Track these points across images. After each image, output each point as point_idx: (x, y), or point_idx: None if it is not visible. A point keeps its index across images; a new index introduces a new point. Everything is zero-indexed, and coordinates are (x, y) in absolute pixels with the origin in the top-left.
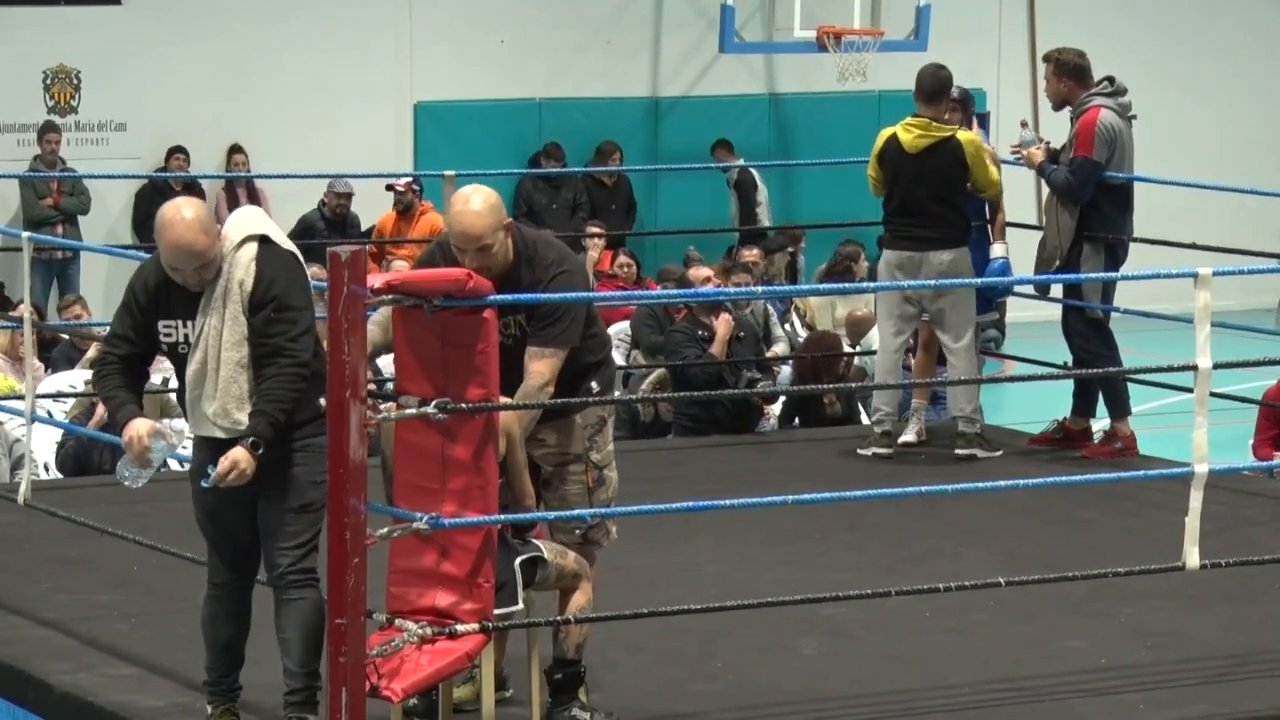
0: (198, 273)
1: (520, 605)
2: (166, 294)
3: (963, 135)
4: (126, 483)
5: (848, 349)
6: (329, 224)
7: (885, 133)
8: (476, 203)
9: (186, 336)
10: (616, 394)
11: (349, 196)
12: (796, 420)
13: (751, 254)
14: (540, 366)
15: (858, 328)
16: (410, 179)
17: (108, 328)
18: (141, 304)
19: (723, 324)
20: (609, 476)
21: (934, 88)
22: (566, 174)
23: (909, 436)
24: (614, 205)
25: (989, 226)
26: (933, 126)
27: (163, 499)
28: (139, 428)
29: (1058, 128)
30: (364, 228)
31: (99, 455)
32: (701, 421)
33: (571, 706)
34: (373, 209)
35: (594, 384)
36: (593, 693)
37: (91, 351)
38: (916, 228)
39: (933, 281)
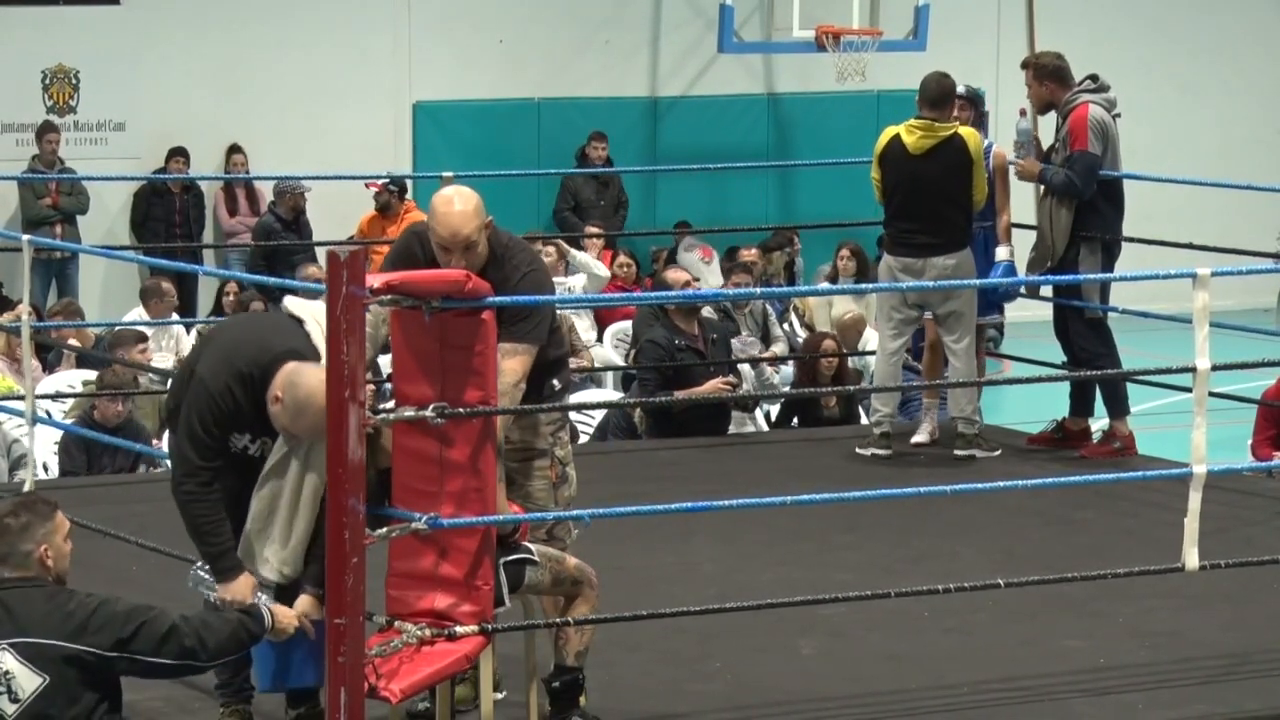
0: None
1: (507, 605)
2: (246, 412)
3: (965, 131)
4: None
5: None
6: (285, 225)
7: (887, 133)
8: (462, 203)
9: (245, 448)
10: (618, 396)
11: (302, 195)
12: (795, 421)
13: (750, 253)
14: (513, 364)
15: (850, 331)
16: (386, 180)
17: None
18: (228, 425)
19: (709, 387)
20: (570, 474)
21: (939, 95)
22: (555, 175)
23: (922, 436)
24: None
25: (994, 228)
26: (936, 127)
27: (161, 499)
28: (242, 592)
29: (1053, 124)
30: (353, 229)
31: (99, 458)
32: (669, 423)
33: (571, 715)
34: (369, 209)
35: (555, 381)
36: (591, 694)
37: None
38: (918, 233)
39: (931, 283)
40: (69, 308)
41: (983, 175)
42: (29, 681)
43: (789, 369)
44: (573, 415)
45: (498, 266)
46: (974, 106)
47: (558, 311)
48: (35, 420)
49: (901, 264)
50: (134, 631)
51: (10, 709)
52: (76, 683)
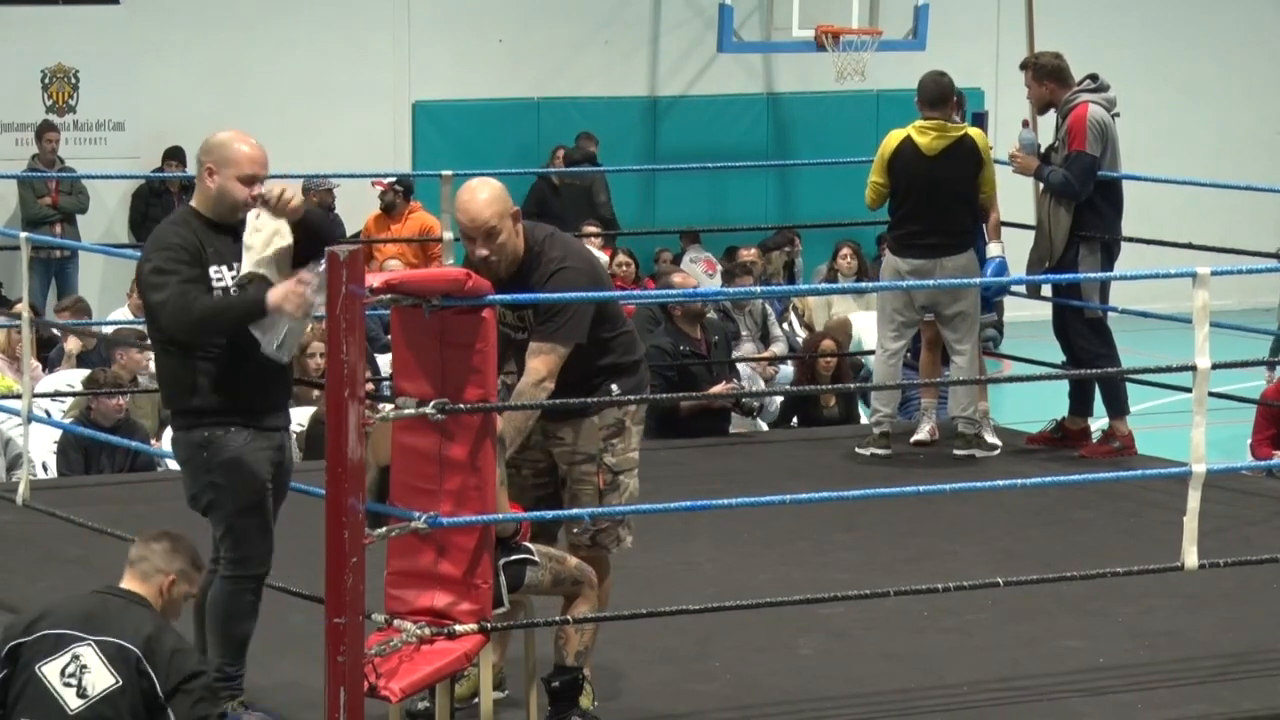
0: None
1: (505, 606)
2: (211, 246)
3: (974, 132)
4: (277, 351)
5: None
6: None
7: (896, 136)
8: (483, 192)
9: (227, 284)
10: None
11: (331, 193)
12: (794, 420)
13: (750, 253)
14: (537, 364)
15: (839, 332)
16: (393, 179)
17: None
18: (200, 257)
19: (718, 390)
20: (625, 483)
21: (938, 94)
22: (555, 174)
23: (922, 435)
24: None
25: (983, 226)
26: (948, 127)
27: (161, 499)
28: (288, 284)
29: (1053, 125)
30: (355, 229)
31: (97, 459)
32: (668, 425)
33: (571, 715)
34: (369, 210)
35: (614, 386)
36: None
37: (71, 345)
38: (929, 235)
39: (931, 282)
40: (76, 305)
41: (992, 175)
42: (102, 680)
43: (788, 369)
44: None
45: (534, 265)
46: (959, 108)
47: (623, 312)
48: (31, 419)
49: (911, 266)
50: (180, 687)
51: (75, 704)
52: (140, 697)
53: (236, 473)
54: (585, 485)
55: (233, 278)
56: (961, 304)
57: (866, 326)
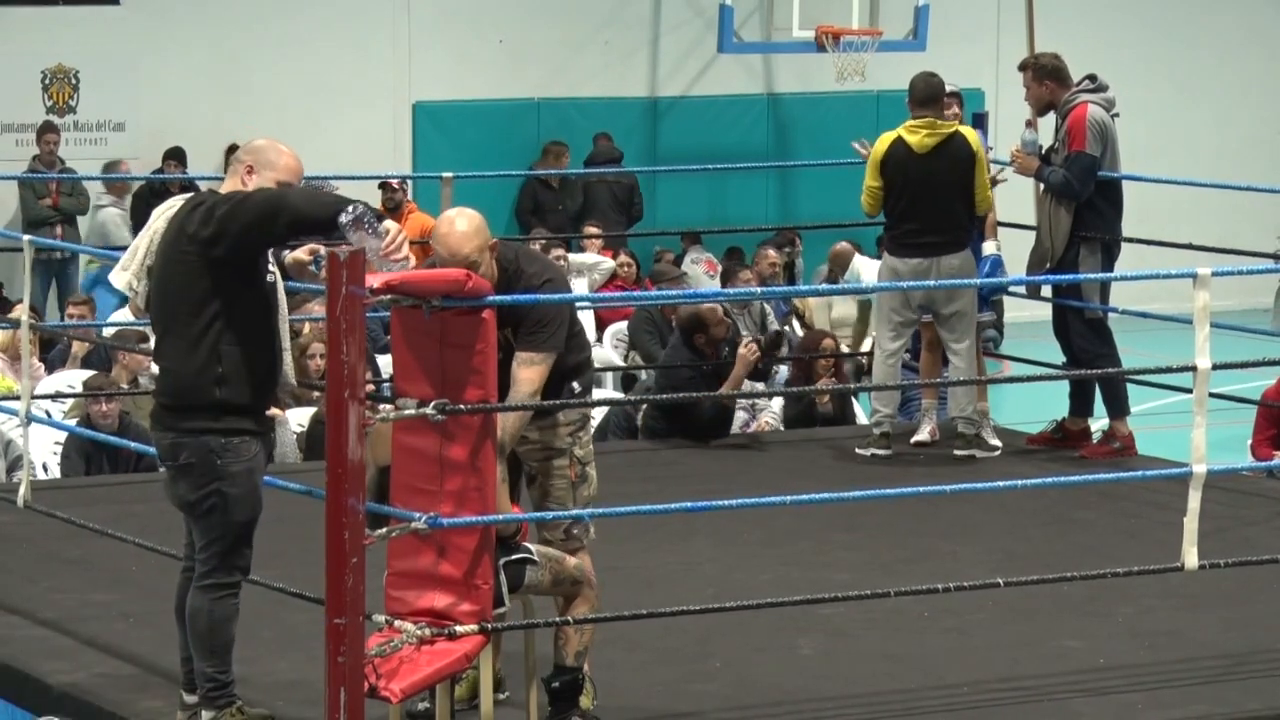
0: None
1: (506, 606)
2: None
3: (965, 129)
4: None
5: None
6: None
7: (886, 138)
8: (462, 224)
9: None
10: (617, 395)
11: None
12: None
13: (770, 254)
14: (530, 374)
15: (839, 260)
16: (400, 180)
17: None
18: None
19: (741, 363)
20: (590, 474)
21: (928, 94)
22: (561, 174)
23: (923, 436)
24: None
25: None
26: (938, 125)
27: (160, 499)
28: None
29: (1052, 126)
30: None
31: (99, 460)
32: (675, 424)
33: (570, 715)
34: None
35: (575, 384)
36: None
37: (77, 346)
38: (926, 233)
39: (930, 283)
40: (91, 303)
41: (985, 173)
42: None
43: (785, 368)
44: None
45: (514, 285)
46: (959, 104)
47: (577, 314)
48: (30, 420)
49: (909, 266)
50: None
51: None
52: None
53: (246, 483)
54: (559, 479)
55: (271, 271)
56: (958, 303)
57: (869, 267)
